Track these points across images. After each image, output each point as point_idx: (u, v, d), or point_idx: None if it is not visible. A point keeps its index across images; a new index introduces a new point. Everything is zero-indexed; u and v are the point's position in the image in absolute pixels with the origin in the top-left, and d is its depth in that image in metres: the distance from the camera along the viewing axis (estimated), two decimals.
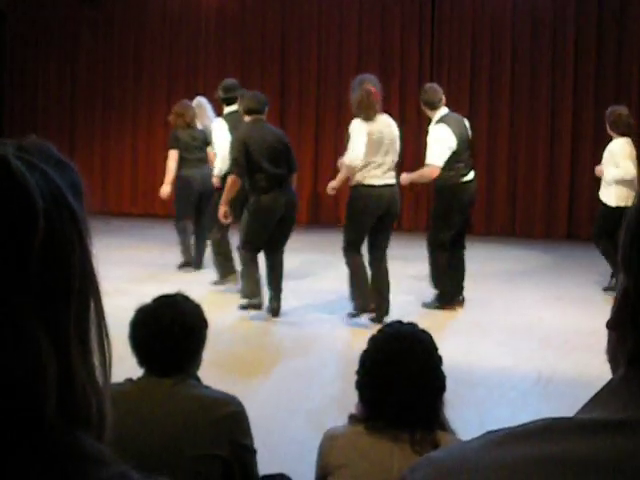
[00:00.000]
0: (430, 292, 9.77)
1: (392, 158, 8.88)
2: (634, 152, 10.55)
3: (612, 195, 10.38)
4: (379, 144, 8.74)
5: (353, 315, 8.92)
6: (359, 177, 8.71)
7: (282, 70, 16.59)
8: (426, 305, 9.69)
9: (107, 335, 1.05)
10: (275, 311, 9.20)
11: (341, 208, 16.38)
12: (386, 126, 8.89)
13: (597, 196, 10.74)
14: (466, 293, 9.77)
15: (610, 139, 10.64)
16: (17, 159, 0.96)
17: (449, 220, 9.37)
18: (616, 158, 10.37)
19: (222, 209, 9.13)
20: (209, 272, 10.99)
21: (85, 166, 15.92)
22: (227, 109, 10.37)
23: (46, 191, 0.96)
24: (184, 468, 3.09)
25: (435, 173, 9.16)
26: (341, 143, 16.05)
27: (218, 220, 9.47)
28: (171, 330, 3.30)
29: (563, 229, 15.15)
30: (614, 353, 1.06)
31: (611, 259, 10.51)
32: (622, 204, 10.21)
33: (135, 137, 17.64)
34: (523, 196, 15.41)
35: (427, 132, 9.45)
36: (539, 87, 15.23)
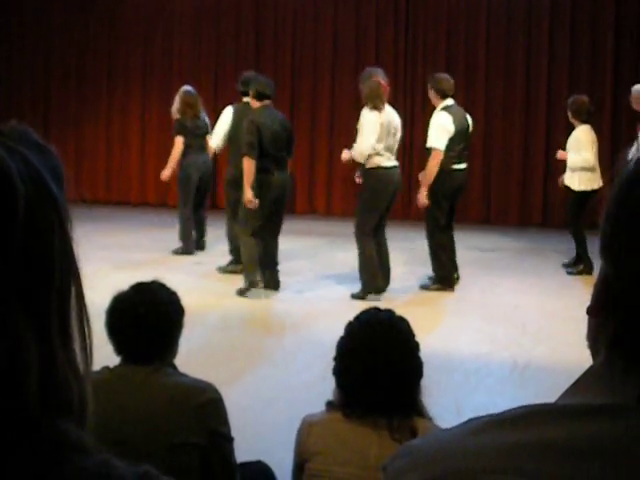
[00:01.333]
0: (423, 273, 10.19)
1: (396, 142, 9.45)
2: (595, 138, 10.99)
3: (575, 180, 10.84)
4: (388, 130, 9.23)
5: (360, 297, 9.22)
6: (376, 160, 9.20)
7: (257, 60, 16.53)
8: (424, 287, 9.99)
9: (88, 321, 1.04)
10: (278, 285, 9.73)
11: (315, 196, 16.46)
12: (391, 114, 9.41)
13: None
14: None
15: (572, 127, 11.09)
16: None
17: (439, 203, 9.69)
18: (580, 145, 10.82)
19: (248, 193, 9.27)
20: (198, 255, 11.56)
21: (59, 154, 15.83)
22: (245, 100, 10.63)
23: (26, 176, 0.95)
24: (161, 457, 3.08)
25: (439, 156, 9.49)
26: (317, 131, 16.17)
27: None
28: (149, 318, 3.29)
29: (537, 216, 15.21)
30: (594, 339, 1.07)
31: (579, 242, 10.82)
32: (587, 188, 10.77)
33: (109, 125, 17.55)
34: (498, 184, 15.46)
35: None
36: (514, 77, 15.27)
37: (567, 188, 10.99)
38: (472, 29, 15.50)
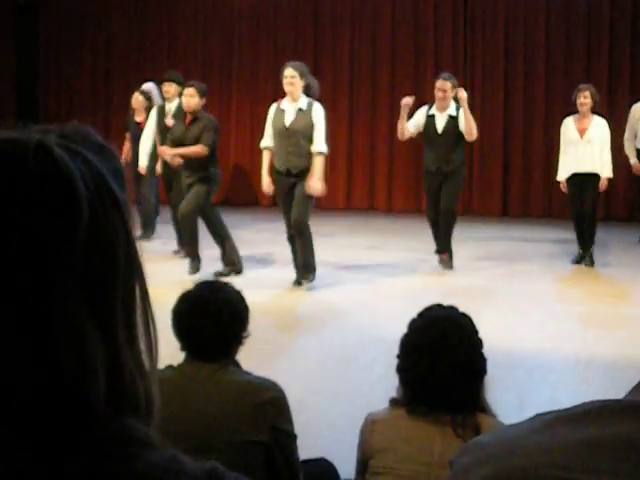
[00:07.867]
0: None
1: None
2: None
3: (610, 168, 10.95)
4: None
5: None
6: None
7: (315, 57, 16.60)
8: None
9: (153, 319, 1.05)
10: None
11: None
12: None
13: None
14: (504, 275, 9.90)
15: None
16: (59, 147, 0.96)
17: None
18: (607, 134, 11.00)
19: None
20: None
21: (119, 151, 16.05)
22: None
23: (89, 178, 0.96)
24: (225, 454, 3.09)
25: None
26: (377, 129, 16.16)
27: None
28: (222, 316, 3.33)
29: (601, 210, 15.07)
30: None
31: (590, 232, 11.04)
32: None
33: None
34: None
35: None
36: (573, 75, 15.22)
37: (596, 177, 10.87)
38: (530, 28, 15.52)
